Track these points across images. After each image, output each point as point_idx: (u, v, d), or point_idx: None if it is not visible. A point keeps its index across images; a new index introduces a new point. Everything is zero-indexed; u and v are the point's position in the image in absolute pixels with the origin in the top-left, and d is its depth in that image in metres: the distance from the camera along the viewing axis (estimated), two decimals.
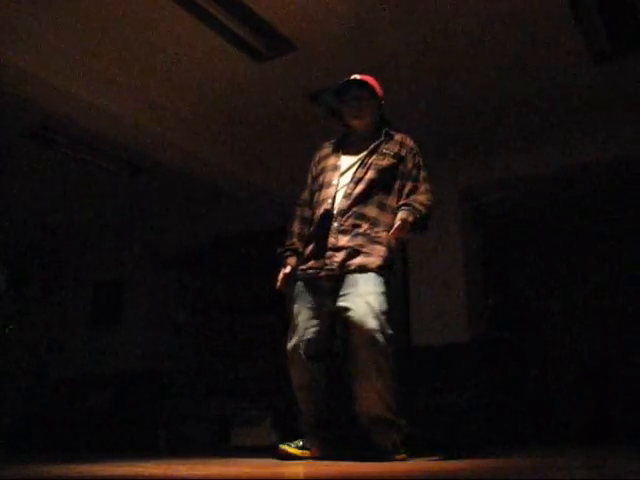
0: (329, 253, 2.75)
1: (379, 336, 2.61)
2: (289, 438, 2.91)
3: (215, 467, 2.60)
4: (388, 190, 2.87)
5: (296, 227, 3.02)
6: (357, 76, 2.95)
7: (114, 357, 6.76)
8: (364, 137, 2.98)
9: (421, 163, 2.98)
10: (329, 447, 2.83)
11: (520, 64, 4.25)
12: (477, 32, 3.91)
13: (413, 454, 2.74)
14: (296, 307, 2.87)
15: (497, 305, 6.00)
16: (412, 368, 5.16)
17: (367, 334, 2.61)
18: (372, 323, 2.61)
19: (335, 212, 2.80)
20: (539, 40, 3.99)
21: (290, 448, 2.76)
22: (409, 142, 3.00)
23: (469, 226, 5.67)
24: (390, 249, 2.81)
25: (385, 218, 2.83)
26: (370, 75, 3.04)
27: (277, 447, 2.80)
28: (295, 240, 2.99)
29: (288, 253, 2.98)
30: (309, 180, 3.09)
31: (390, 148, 2.93)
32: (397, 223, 2.72)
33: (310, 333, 2.80)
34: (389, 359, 2.64)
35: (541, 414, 5.76)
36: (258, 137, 5.24)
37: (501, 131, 5.15)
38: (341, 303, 2.71)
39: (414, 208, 2.80)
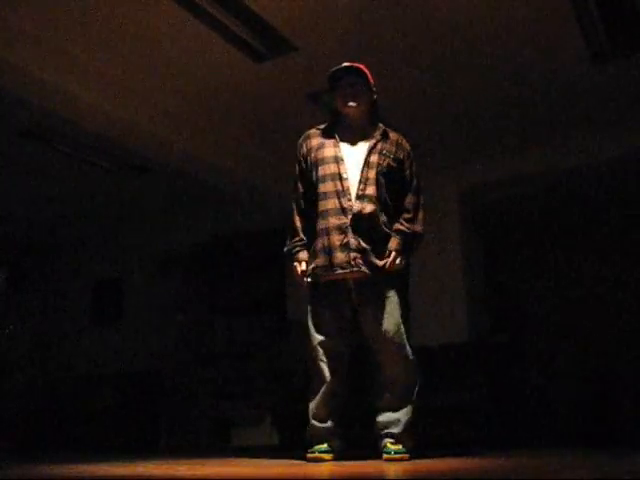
0: (352, 254, 2.70)
1: (402, 342, 2.74)
2: (290, 438, 2.90)
3: (215, 467, 2.60)
4: (390, 193, 2.84)
5: (298, 221, 2.94)
6: (349, 63, 2.88)
7: (114, 357, 6.76)
8: (358, 126, 2.91)
9: (415, 169, 2.95)
10: (346, 447, 2.85)
11: (520, 64, 4.25)
12: (477, 32, 3.91)
13: (412, 453, 2.75)
14: (313, 308, 2.84)
15: (497, 305, 6.00)
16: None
17: (393, 341, 2.72)
18: (395, 331, 2.72)
19: (354, 211, 2.74)
20: (539, 40, 3.99)
21: (324, 454, 2.72)
22: (405, 144, 2.95)
23: (469, 226, 5.67)
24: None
25: (390, 222, 2.85)
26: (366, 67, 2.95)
27: (308, 453, 2.74)
28: (302, 235, 2.91)
29: (298, 249, 2.89)
30: (298, 171, 2.98)
31: (388, 149, 2.87)
32: (392, 254, 2.75)
33: (334, 332, 2.79)
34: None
35: (541, 414, 5.75)
36: (258, 137, 5.24)
37: (501, 131, 5.15)
38: (364, 308, 2.76)
39: (408, 236, 2.82)
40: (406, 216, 2.85)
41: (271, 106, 4.75)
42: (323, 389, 2.79)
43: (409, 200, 2.88)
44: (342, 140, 2.89)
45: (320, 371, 2.79)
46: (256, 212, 6.21)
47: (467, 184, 5.55)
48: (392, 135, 2.93)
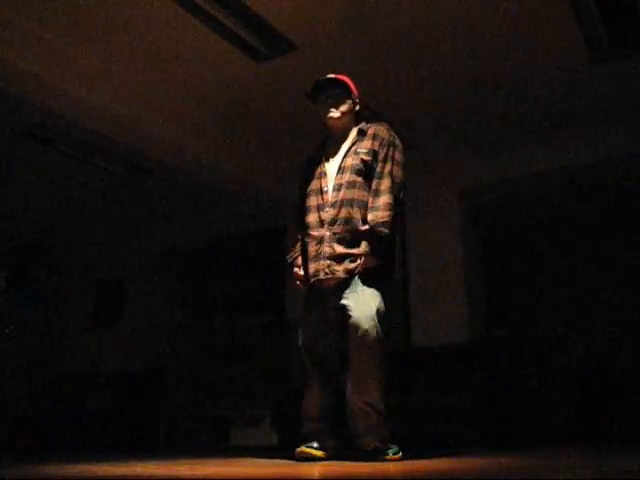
0: (327, 262, 2.78)
1: (375, 336, 2.68)
2: (289, 438, 2.90)
3: (215, 467, 2.60)
4: (368, 188, 2.85)
5: (297, 233, 3.08)
6: (331, 75, 2.95)
7: (114, 357, 6.76)
8: (341, 137, 2.98)
9: (392, 153, 2.86)
10: (341, 446, 2.85)
11: (520, 64, 4.25)
12: (478, 33, 3.91)
13: (412, 454, 2.74)
14: (303, 311, 2.94)
15: (497, 305, 6.00)
16: (412, 369, 5.17)
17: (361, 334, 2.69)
18: (368, 322, 2.67)
19: (327, 220, 2.82)
20: (539, 40, 3.99)
21: (312, 450, 2.72)
22: (383, 133, 2.91)
23: (469, 226, 5.67)
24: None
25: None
26: (345, 75, 3.01)
27: (296, 449, 2.74)
28: (299, 244, 3.02)
29: (295, 255, 3.02)
30: (300, 187, 3.10)
31: (364, 145, 2.89)
32: (362, 259, 2.75)
33: (319, 333, 2.84)
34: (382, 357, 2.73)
35: (540, 414, 5.75)
36: (258, 137, 5.24)
37: (501, 131, 5.15)
38: (344, 302, 2.76)
39: (376, 235, 2.75)
40: (370, 217, 2.78)
41: (271, 106, 4.75)
42: (311, 388, 2.85)
43: (373, 188, 2.81)
44: (328, 154, 2.99)
45: (307, 370, 2.87)
46: (256, 212, 6.21)
47: (467, 184, 5.55)
48: (370, 129, 2.94)
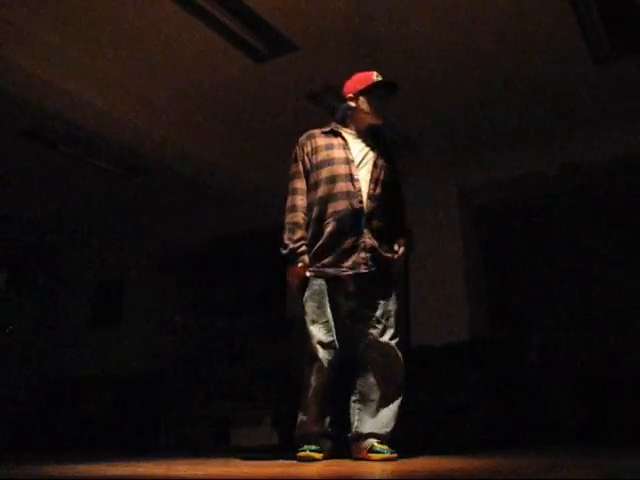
0: (362, 254, 2.76)
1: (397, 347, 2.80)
2: (289, 438, 2.89)
3: (215, 467, 2.60)
4: (392, 195, 2.95)
5: (301, 218, 2.95)
6: (392, 81, 2.99)
7: (114, 358, 6.76)
8: (362, 132, 3.00)
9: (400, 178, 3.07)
10: (338, 447, 2.84)
11: (521, 64, 4.25)
12: (478, 32, 3.91)
13: (411, 453, 2.74)
14: (315, 305, 2.79)
15: (497, 305, 6.00)
16: (412, 368, 5.16)
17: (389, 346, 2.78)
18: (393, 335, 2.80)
19: (366, 211, 2.80)
20: (540, 40, 3.99)
21: (313, 453, 2.70)
22: (393, 150, 3.14)
23: (469, 226, 5.67)
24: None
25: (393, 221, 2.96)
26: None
27: (297, 452, 2.71)
28: (305, 233, 2.90)
29: (303, 248, 2.86)
30: (301, 169, 3.01)
31: (388, 152, 3.01)
32: (401, 249, 2.88)
33: (331, 333, 2.77)
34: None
35: (541, 414, 5.75)
36: (258, 137, 5.24)
37: (501, 131, 5.15)
38: (360, 303, 2.79)
39: (408, 234, 2.98)
40: (401, 216, 3.00)
41: (271, 106, 4.75)
42: (313, 387, 2.76)
43: (400, 201, 3.02)
44: (350, 143, 2.94)
45: (315, 369, 2.78)
46: (256, 212, 6.21)
47: (467, 184, 5.55)
48: (385, 140, 3.11)
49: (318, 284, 2.78)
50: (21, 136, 5.01)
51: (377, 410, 2.76)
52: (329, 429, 2.83)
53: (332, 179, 2.84)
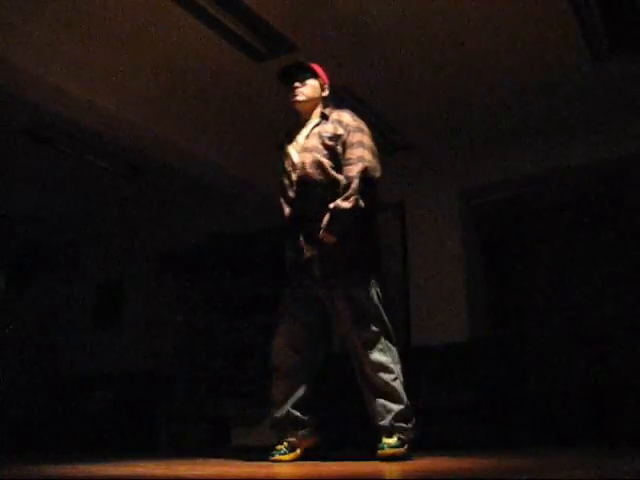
0: (307, 246, 2.85)
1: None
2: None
3: (215, 467, 2.60)
4: (338, 171, 2.84)
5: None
6: (298, 61, 3.08)
7: (114, 357, 6.76)
8: (307, 120, 3.03)
9: (360, 139, 2.83)
10: (321, 434, 2.86)
11: (520, 64, 4.25)
12: (478, 32, 3.91)
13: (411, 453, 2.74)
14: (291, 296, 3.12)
15: (497, 305, 6.00)
16: (412, 368, 5.15)
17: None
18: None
19: (292, 198, 2.90)
20: (539, 40, 3.99)
21: (283, 456, 2.73)
22: (347, 119, 2.92)
23: (469, 226, 5.67)
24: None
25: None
26: (316, 63, 3.12)
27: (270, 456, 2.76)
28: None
29: None
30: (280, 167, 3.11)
31: (327, 129, 2.91)
32: (321, 231, 2.79)
33: (300, 325, 3.00)
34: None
35: (541, 414, 5.75)
36: (258, 137, 5.23)
37: (501, 131, 5.15)
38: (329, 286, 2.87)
39: (334, 213, 2.75)
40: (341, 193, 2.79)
41: (271, 106, 4.75)
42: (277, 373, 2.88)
43: (344, 175, 2.81)
44: (294, 135, 3.04)
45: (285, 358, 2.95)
46: (256, 212, 6.20)
47: (467, 184, 5.55)
48: (333, 114, 2.97)
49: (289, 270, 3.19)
50: (21, 135, 5.00)
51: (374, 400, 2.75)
52: (296, 414, 2.81)
53: (281, 173, 3.08)
